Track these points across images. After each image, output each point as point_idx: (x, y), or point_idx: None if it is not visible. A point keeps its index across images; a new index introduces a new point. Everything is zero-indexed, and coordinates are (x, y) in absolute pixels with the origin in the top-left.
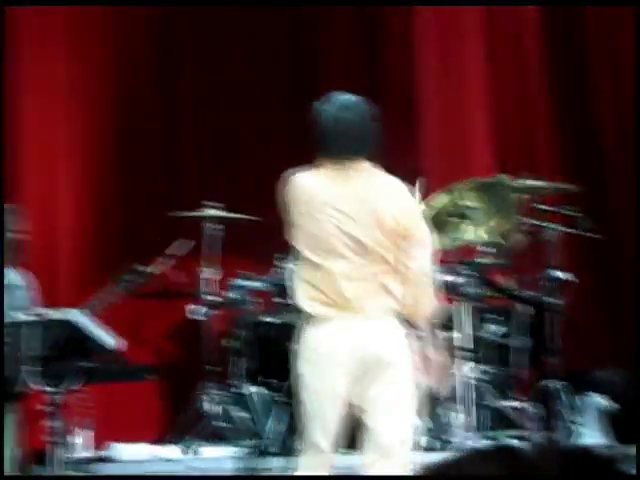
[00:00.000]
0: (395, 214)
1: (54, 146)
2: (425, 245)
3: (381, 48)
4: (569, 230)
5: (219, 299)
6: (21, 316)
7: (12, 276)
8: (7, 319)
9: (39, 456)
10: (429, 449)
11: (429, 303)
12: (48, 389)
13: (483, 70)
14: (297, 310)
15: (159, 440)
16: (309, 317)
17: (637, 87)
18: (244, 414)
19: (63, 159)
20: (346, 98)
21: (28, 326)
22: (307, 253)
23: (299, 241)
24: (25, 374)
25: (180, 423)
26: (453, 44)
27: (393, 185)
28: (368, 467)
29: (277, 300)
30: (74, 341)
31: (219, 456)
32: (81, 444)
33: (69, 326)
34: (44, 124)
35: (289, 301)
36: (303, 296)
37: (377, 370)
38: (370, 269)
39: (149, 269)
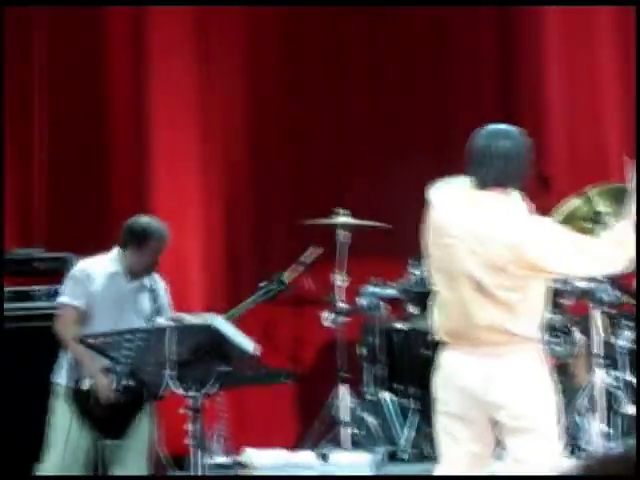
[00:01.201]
0: (508, 259)
1: (184, 159)
2: (566, 264)
3: (510, 49)
4: None
5: (351, 306)
6: (163, 321)
7: (158, 281)
8: (150, 324)
9: (178, 460)
10: (565, 456)
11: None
12: (188, 393)
13: (615, 70)
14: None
15: (294, 446)
16: (439, 339)
17: (637, 87)
18: (377, 420)
19: (193, 170)
20: (501, 128)
21: (170, 331)
22: (434, 277)
23: (429, 264)
24: (167, 378)
25: (314, 429)
26: (583, 44)
27: (518, 226)
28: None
29: (408, 307)
30: (214, 346)
31: (352, 462)
32: (218, 448)
33: (209, 331)
34: (174, 138)
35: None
36: (433, 318)
37: (500, 397)
38: (485, 306)
39: (287, 277)
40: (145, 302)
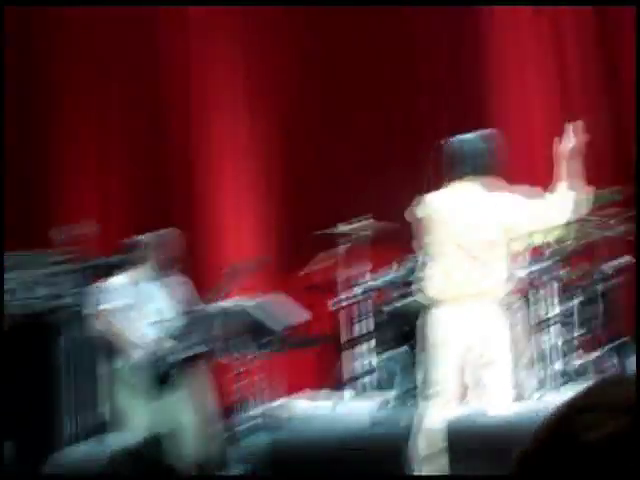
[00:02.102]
0: (492, 225)
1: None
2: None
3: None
4: (612, 234)
5: (366, 288)
6: (220, 305)
7: (175, 279)
8: (209, 309)
9: (229, 412)
10: (516, 399)
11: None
12: (237, 358)
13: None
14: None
15: (320, 394)
16: (434, 301)
17: (637, 87)
18: (383, 373)
19: (252, 205)
20: (477, 133)
21: (226, 312)
22: (431, 249)
23: (427, 243)
24: (218, 348)
25: (336, 381)
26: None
27: (497, 198)
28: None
29: (403, 290)
30: (255, 323)
31: (357, 407)
32: (261, 401)
33: (247, 313)
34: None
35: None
36: (428, 281)
37: (477, 339)
38: (469, 266)
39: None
40: (173, 294)
